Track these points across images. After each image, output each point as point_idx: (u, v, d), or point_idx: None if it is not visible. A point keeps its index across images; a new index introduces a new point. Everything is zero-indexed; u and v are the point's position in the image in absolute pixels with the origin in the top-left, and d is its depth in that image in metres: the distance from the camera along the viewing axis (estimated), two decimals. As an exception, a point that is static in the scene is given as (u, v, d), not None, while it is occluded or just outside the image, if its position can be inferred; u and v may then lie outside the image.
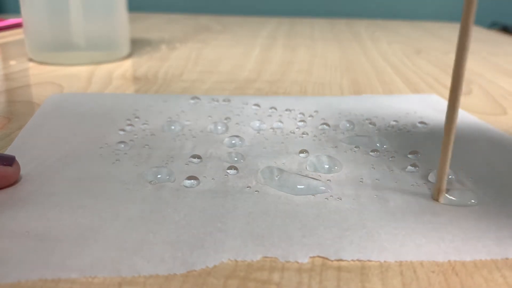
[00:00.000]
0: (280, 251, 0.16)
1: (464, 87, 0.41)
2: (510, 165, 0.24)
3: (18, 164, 0.20)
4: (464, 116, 0.32)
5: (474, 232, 0.18)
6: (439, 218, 0.19)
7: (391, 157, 0.24)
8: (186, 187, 0.20)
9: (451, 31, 0.81)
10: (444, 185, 0.20)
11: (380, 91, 0.39)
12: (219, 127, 0.28)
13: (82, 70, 0.43)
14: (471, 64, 0.51)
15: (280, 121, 0.29)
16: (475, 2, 0.17)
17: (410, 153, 0.25)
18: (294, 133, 0.28)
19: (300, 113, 0.31)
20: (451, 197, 0.20)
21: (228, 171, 0.22)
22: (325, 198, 0.20)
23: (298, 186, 0.20)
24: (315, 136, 0.27)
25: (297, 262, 0.16)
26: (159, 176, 0.21)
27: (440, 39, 0.71)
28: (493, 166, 0.24)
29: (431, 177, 0.22)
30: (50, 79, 0.40)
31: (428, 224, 0.18)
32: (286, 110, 0.32)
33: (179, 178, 0.21)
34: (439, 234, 0.17)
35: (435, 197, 0.20)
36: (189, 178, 0.21)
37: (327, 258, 0.16)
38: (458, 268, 0.16)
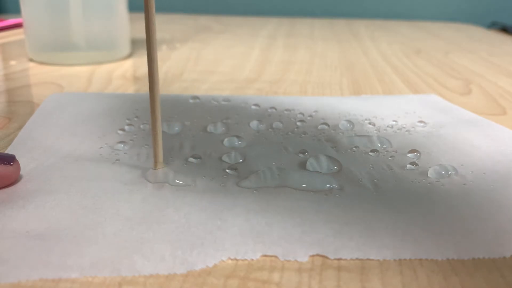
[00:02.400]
0: (280, 249, 0.16)
1: (464, 87, 0.41)
2: (509, 158, 0.24)
3: (18, 163, 0.20)
4: (463, 113, 0.32)
5: (474, 224, 0.18)
6: (439, 209, 0.19)
7: (391, 157, 0.24)
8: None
9: (451, 31, 0.81)
10: (159, 155, 0.22)
11: (379, 91, 0.39)
12: (219, 127, 0.28)
13: (82, 70, 0.43)
14: (471, 64, 0.51)
15: (280, 121, 0.29)
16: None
17: (409, 152, 0.25)
18: (293, 133, 0.28)
19: (299, 113, 0.31)
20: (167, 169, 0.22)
21: (227, 171, 0.22)
22: (325, 194, 0.20)
23: (303, 184, 0.21)
24: (314, 136, 0.27)
25: (297, 261, 0.16)
26: (160, 175, 0.21)
27: (440, 39, 0.71)
28: (493, 160, 0.24)
29: (431, 173, 0.22)
30: (50, 79, 0.40)
31: (429, 216, 0.18)
32: (286, 110, 0.32)
33: (179, 178, 0.21)
34: (438, 227, 0.17)
35: (153, 166, 0.22)
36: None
37: (327, 257, 0.16)
38: (458, 268, 0.16)
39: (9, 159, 0.20)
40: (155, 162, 0.22)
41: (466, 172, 0.22)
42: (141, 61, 0.48)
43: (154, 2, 0.20)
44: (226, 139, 0.26)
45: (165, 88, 0.38)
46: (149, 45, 0.21)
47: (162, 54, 0.53)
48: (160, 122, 0.21)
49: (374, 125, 0.29)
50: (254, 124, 0.29)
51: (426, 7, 1.00)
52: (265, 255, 0.16)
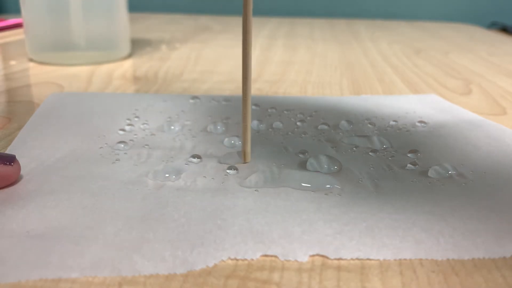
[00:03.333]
0: (280, 249, 0.16)
1: (464, 87, 0.41)
2: (509, 156, 0.24)
3: (18, 163, 0.20)
4: (463, 113, 0.32)
5: (474, 223, 0.18)
6: (439, 208, 0.19)
7: (391, 157, 0.24)
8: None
9: (451, 31, 0.81)
10: (248, 148, 0.23)
11: (379, 91, 0.39)
12: (219, 127, 0.28)
13: (82, 70, 0.43)
14: (471, 64, 0.51)
15: (280, 121, 0.29)
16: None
17: (409, 152, 0.25)
18: (293, 133, 0.28)
19: (299, 113, 0.31)
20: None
21: (228, 171, 0.22)
22: (325, 194, 0.20)
23: (303, 184, 0.21)
24: (314, 136, 0.27)
25: (297, 261, 0.16)
26: (159, 175, 0.21)
27: (440, 39, 0.71)
28: (494, 160, 0.24)
29: (431, 172, 0.22)
30: (50, 79, 0.40)
31: (429, 215, 0.18)
32: (286, 110, 0.32)
33: (179, 178, 0.21)
34: (439, 227, 0.17)
35: (243, 159, 0.23)
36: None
37: (327, 257, 0.16)
38: (458, 268, 0.16)
39: (9, 159, 0.20)
40: (244, 155, 0.23)
41: (466, 171, 0.22)
42: (141, 61, 0.48)
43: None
44: (226, 139, 0.26)
45: (165, 88, 0.38)
46: (245, 43, 0.21)
47: (162, 54, 0.53)
48: (250, 114, 0.22)
49: (374, 125, 0.29)
50: (254, 124, 0.29)
51: (426, 7, 1.00)
52: (265, 255, 0.16)
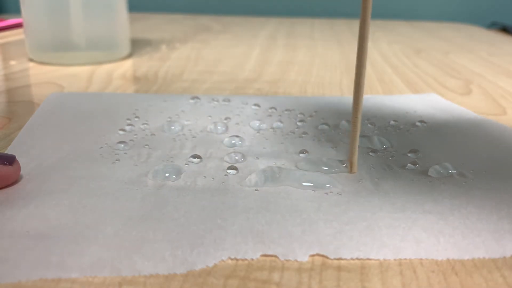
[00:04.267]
0: (280, 248, 0.16)
1: (464, 87, 0.41)
2: (509, 155, 0.24)
3: (18, 163, 0.20)
4: (463, 111, 0.32)
5: (474, 222, 0.18)
6: (439, 207, 0.19)
7: (391, 157, 0.24)
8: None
9: (451, 31, 0.81)
10: (355, 158, 0.22)
11: (380, 91, 0.39)
12: (219, 127, 0.28)
13: (82, 70, 0.43)
14: (471, 64, 0.51)
15: (280, 121, 0.29)
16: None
17: (409, 152, 0.25)
18: (294, 133, 0.28)
19: (300, 113, 0.31)
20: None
21: (228, 171, 0.22)
22: (325, 193, 0.20)
23: (303, 183, 0.21)
24: (315, 136, 0.27)
25: (297, 261, 0.16)
26: (159, 175, 0.21)
27: (440, 39, 0.71)
28: (494, 159, 0.24)
29: (431, 172, 0.22)
30: (50, 79, 0.40)
31: (429, 214, 0.18)
32: (286, 110, 0.32)
33: (179, 178, 0.21)
34: (439, 226, 0.17)
35: (348, 170, 0.22)
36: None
37: (327, 257, 0.16)
38: (458, 268, 0.16)
39: (9, 160, 0.20)
40: (351, 165, 0.22)
41: (467, 171, 0.22)
42: (141, 61, 0.48)
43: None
44: (226, 139, 0.26)
45: (165, 88, 0.38)
46: (361, 50, 0.21)
47: (162, 54, 0.53)
48: (360, 123, 0.22)
49: (374, 125, 0.29)
50: (254, 124, 0.29)
51: (426, 7, 1.00)
52: (265, 255, 0.16)
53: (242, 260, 0.16)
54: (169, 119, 0.29)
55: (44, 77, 0.40)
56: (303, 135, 0.27)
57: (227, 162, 0.23)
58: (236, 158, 0.23)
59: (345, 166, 0.22)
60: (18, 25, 0.66)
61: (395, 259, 0.16)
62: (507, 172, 0.22)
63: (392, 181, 0.21)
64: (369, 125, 0.29)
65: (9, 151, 0.24)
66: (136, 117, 0.29)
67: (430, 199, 0.20)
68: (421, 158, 0.24)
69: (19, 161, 0.21)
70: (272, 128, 0.28)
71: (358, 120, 0.21)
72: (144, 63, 0.47)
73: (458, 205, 0.19)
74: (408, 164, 0.23)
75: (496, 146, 0.25)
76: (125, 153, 0.24)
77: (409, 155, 0.24)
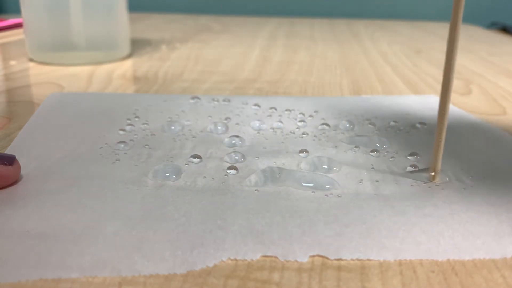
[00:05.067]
0: (280, 249, 0.16)
1: (464, 87, 0.41)
2: (509, 163, 0.24)
3: (18, 163, 0.20)
4: (463, 115, 0.32)
5: (474, 226, 0.18)
6: (439, 211, 0.19)
7: (391, 158, 0.24)
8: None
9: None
10: (439, 166, 0.21)
11: (380, 91, 0.39)
12: (219, 127, 0.28)
13: (82, 70, 0.43)
14: (471, 64, 0.51)
15: (280, 121, 0.29)
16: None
17: (409, 155, 0.24)
18: (294, 133, 0.28)
19: (300, 113, 0.31)
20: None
21: (228, 171, 0.22)
22: (325, 195, 0.20)
23: (303, 184, 0.21)
24: (315, 136, 0.27)
25: (297, 262, 0.16)
26: (159, 175, 0.21)
27: (440, 39, 0.71)
28: (492, 164, 0.24)
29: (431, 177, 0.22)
30: (50, 79, 0.40)
31: (428, 218, 0.18)
32: (286, 110, 0.32)
33: (179, 178, 0.21)
34: (439, 229, 0.17)
35: (431, 178, 0.21)
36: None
37: (327, 257, 0.16)
38: (458, 268, 0.16)
39: (9, 160, 0.20)
40: (435, 173, 0.21)
41: (466, 176, 0.22)
42: (141, 61, 0.48)
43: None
44: (226, 139, 0.26)
45: (165, 88, 0.38)
46: (450, 53, 0.20)
47: (162, 54, 0.53)
48: (445, 131, 0.21)
49: (374, 125, 0.29)
50: (254, 124, 0.29)
51: (426, 7, 1.00)
52: (265, 255, 0.16)
53: (242, 260, 0.16)
54: (169, 119, 0.29)
55: (44, 77, 0.40)
56: (303, 135, 0.27)
57: (227, 162, 0.23)
58: (236, 158, 0.23)
59: (430, 174, 0.22)
60: (18, 25, 0.66)
61: (395, 259, 0.16)
62: (506, 177, 0.22)
63: (392, 184, 0.21)
64: (369, 125, 0.29)
65: (9, 151, 0.24)
66: (136, 117, 0.29)
67: (430, 204, 0.19)
68: (420, 162, 0.24)
69: (19, 161, 0.21)
70: (272, 128, 0.28)
71: (443, 127, 0.21)
72: (144, 63, 0.47)
73: (458, 209, 0.19)
74: (408, 167, 0.23)
75: (495, 152, 0.25)
76: (125, 153, 0.24)
77: (409, 157, 0.24)
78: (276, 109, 0.32)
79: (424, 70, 0.48)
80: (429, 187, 0.21)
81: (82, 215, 0.18)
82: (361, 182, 0.21)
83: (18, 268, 0.15)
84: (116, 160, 0.23)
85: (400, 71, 0.47)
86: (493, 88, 0.41)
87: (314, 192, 0.20)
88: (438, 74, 0.46)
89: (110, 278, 0.15)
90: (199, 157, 0.23)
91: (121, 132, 0.27)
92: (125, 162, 0.23)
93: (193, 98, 0.34)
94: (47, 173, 0.21)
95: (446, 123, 0.21)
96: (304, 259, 0.16)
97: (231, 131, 0.28)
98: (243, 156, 0.24)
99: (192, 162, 0.23)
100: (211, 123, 0.28)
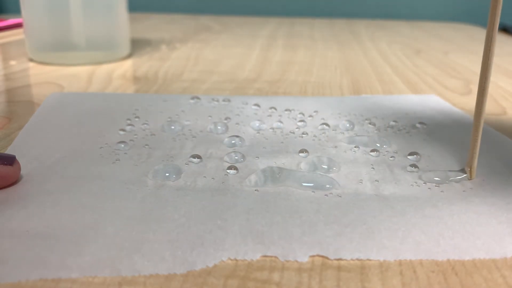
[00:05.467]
0: (280, 249, 0.16)
1: (464, 87, 0.41)
2: (508, 164, 0.24)
3: (18, 163, 0.20)
4: (463, 116, 0.32)
5: (474, 227, 0.18)
6: (439, 212, 0.19)
7: (391, 157, 0.24)
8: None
9: (451, 31, 0.81)
10: (475, 164, 0.21)
11: (380, 91, 0.39)
12: (219, 127, 0.28)
13: (82, 70, 0.43)
14: (471, 64, 0.51)
15: (280, 121, 0.29)
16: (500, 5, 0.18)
17: (409, 155, 0.24)
18: (294, 133, 0.28)
19: (300, 113, 0.31)
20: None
21: (228, 171, 0.22)
22: (325, 195, 0.20)
23: (303, 184, 0.21)
24: (315, 136, 0.27)
25: (297, 262, 0.16)
26: (159, 175, 0.21)
27: (440, 39, 0.71)
28: (492, 166, 0.24)
29: (430, 177, 0.22)
30: (50, 79, 0.40)
31: (428, 218, 0.18)
32: (286, 110, 0.32)
33: (179, 178, 0.21)
34: (439, 229, 0.17)
35: (469, 177, 0.22)
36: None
37: (327, 257, 0.16)
38: (458, 268, 0.16)
39: (9, 160, 0.20)
40: (471, 171, 0.22)
41: (465, 178, 0.22)
42: (141, 61, 0.48)
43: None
44: (226, 139, 0.26)
45: (165, 88, 0.38)
46: (486, 53, 0.20)
47: (162, 54, 0.53)
48: (481, 128, 0.21)
49: (374, 125, 0.29)
50: (254, 124, 0.29)
51: (426, 7, 1.00)
52: (265, 255, 0.16)
53: (242, 260, 0.16)
54: (169, 119, 0.29)
55: (44, 77, 0.40)
56: (303, 135, 0.27)
57: (227, 162, 0.23)
58: (236, 158, 0.23)
59: (465, 173, 0.22)
60: (18, 25, 0.66)
61: (395, 259, 0.16)
62: (505, 179, 0.22)
63: (392, 184, 0.21)
64: (369, 125, 0.29)
65: (9, 151, 0.24)
66: (136, 117, 0.29)
67: (430, 204, 0.19)
68: (420, 162, 0.24)
69: (19, 161, 0.21)
70: (272, 128, 0.28)
71: (480, 125, 0.21)
72: (144, 63, 0.47)
73: (458, 210, 0.19)
74: (408, 167, 0.23)
75: (494, 154, 0.25)
76: (125, 153, 0.24)
77: (409, 157, 0.24)
78: (276, 109, 0.32)
79: (424, 70, 0.48)
80: (428, 188, 0.21)
81: (82, 215, 0.18)
82: (361, 182, 0.21)
83: (18, 268, 0.15)
84: (116, 160, 0.23)
85: (400, 71, 0.47)
86: (493, 88, 0.41)
87: (314, 192, 0.20)
88: (438, 74, 0.46)
89: (110, 278, 0.15)
90: (199, 157, 0.23)
91: (121, 132, 0.27)
92: (125, 162, 0.23)
93: (193, 98, 0.34)
94: (47, 173, 0.21)
95: (482, 121, 0.21)
96: (304, 259, 0.16)
97: (231, 131, 0.28)
98: (243, 156, 0.24)
99: (192, 162, 0.23)
100: (211, 123, 0.28)
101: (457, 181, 0.22)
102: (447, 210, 0.19)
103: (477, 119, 0.21)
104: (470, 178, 0.22)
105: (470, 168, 0.22)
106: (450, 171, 0.22)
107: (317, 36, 0.71)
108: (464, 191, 0.21)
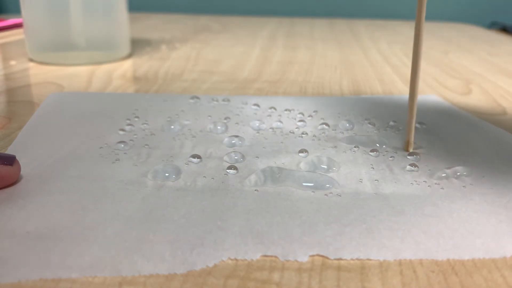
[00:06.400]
0: (280, 249, 0.16)
1: (464, 87, 0.41)
2: (509, 161, 0.24)
3: (18, 163, 0.20)
4: (463, 115, 0.32)
5: (474, 225, 0.18)
6: (439, 211, 0.19)
7: (391, 157, 0.24)
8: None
9: (451, 31, 0.81)
10: (412, 138, 0.25)
11: (379, 91, 0.39)
12: (219, 127, 0.28)
13: (82, 70, 0.43)
14: (471, 64, 0.51)
15: (280, 121, 0.29)
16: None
17: (409, 154, 0.25)
18: (293, 133, 0.28)
19: (299, 113, 0.31)
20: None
21: (228, 170, 0.22)
22: (325, 195, 0.20)
23: (303, 184, 0.21)
24: (314, 136, 0.27)
25: (297, 261, 0.16)
26: (159, 175, 0.21)
27: (440, 39, 0.71)
28: (492, 163, 0.24)
29: (430, 175, 0.22)
30: (50, 79, 0.40)
31: (428, 217, 0.18)
32: (286, 110, 0.32)
33: (179, 178, 0.21)
34: (438, 228, 0.17)
35: (405, 148, 0.25)
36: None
37: (327, 257, 0.16)
38: (458, 268, 0.16)
39: (10, 160, 0.20)
40: (408, 144, 0.24)
41: (465, 175, 0.22)
42: (141, 61, 0.48)
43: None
44: (226, 139, 0.26)
45: (165, 88, 0.38)
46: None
47: (162, 54, 0.53)
48: (416, 105, 0.24)
49: (374, 125, 0.29)
50: (254, 124, 0.29)
51: (426, 7, 1.00)
52: (265, 255, 0.16)
53: (242, 260, 0.16)
54: (169, 119, 0.29)
55: (44, 77, 0.40)
56: (303, 135, 0.27)
57: (226, 162, 0.23)
58: (236, 158, 0.23)
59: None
60: (18, 25, 0.66)
61: (395, 259, 0.16)
62: (505, 177, 0.22)
63: (392, 183, 0.21)
64: (369, 125, 0.29)
65: (9, 151, 0.24)
66: (136, 117, 0.29)
67: (429, 203, 0.19)
68: (420, 161, 0.24)
69: (19, 161, 0.21)
70: (271, 128, 0.28)
71: (414, 104, 0.24)
72: (144, 63, 0.47)
73: (458, 209, 0.19)
74: (408, 166, 0.23)
75: (495, 151, 0.25)
76: (125, 153, 0.24)
77: (408, 157, 0.24)
78: (275, 109, 0.32)
79: (424, 70, 0.48)
80: (428, 186, 0.21)
81: (82, 215, 0.18)
82: (361, 182, 0.21)
83: (18, 268, 0.15)
84: (116, 160, 0.23)
85: (400, 71, 0.47)
86: (493, 88, 0.41)
87: (314, 192, 0.20)
88: (438, 74, 0.46)
89: (110, 278, 0.15)
90: (198, 157, 0.23)
91: (121, 132, 0.27)
92: (125, 162, 0.23)
93: (192, 98, 0.34)
94: (47, 173, 0.21)
95: (416, 101, 0.24)
96: (304, 259, 0.16)
97: (231, 131, 0.28)
98: (243, 156, 0.24)
99: (192, 162, 0.23)
100: (210, 122, 0.28)
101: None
102: (447, 209, 0.19)
103: (411, 98, 0.24)
104: (406, 150, 0.25)
105: (407, 142, 0.24)
106: (447, 168, 0.23)
107: (317, 36, 0.71)
108: (464, 187, 0.21)
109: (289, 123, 0.29)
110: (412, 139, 0.25)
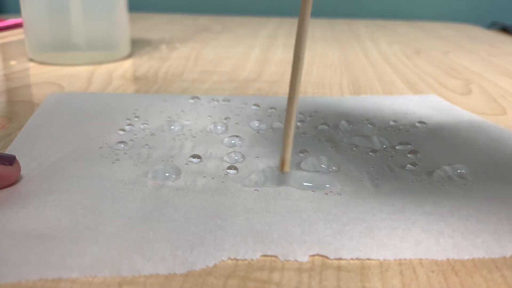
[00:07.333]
0: (280, 249, 0.16)
1: (464, 87, 0.41)
2: (509, 159, 0.24)
3: (18, 163, 0.20)
4: (463, 113, 0.32)
5: (474, 224, 0.18)
6: (439, 209, 0.19)
7: (391, 157, 0.24)
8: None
9: (451, 31, 0.81)
10: (289, 155, 0.20)
11: (379, 91, 0.39)
12: (219, 127, 0.28)
13: (82, 70, 0.43)
14: (471, 64, 0.51)
15: (280, 121, 0.29)
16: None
17: (409, 153, 0.25)
18: (293, 133, 0.28)
19: (299, 113, 0.31)
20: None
21: (228, 171, 0.22)
22: (325, 194, 0.20)
23: (303, 183, 0.21)
24: (314, 136, 0.27)
25: (297, 261, 0.16)
26: (159, 175, 0.21)
27: (440, 39, 0.71)
28: (493, 161, 0.24)
29: (430, 173, 0.22)
30: (50, 79, 0.40)
31: (428, 215, 0.18)
32: (286, 110, 0.32)
33: (179, 178, 0.21)
34: (438, 227, 0.17)
35: (280, 168, 0.20)
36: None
37: (326, 257, 0.16)
38: (458, 268, 0.16)
39: (9, 160, 0.20)
40: (283, 164, 0.20)
41: (466, 173, 0.22)
42: (141, 61, 0.48)
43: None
44: (226, 139, 0.26)
45: (165, 88, 0.38)
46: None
47: (162, 54, 0.53)
48: (294, 121, 0.20)
49: (374, 125, 0.29)
50: (254, 124, 0.29)
51: (426, 7, 1.00)
52: (265, 255, 0.16)
53: (242, 260, 0.16)
54: (169, 119, 0.29)
55: (44, 77, 0.40)
56: (303, 135, 0.27)
57: (227, 162, 0.23)
58: (236, 158, 0.23)
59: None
60: (18, 25, 0.66)
61: (395, 259, 0.16)
62: (505, 174, 0.22)
63: (392, 182, 0.21)
64: (368, 125, 0.29)
65: (9, 151, 0.24)
66: (136, 117, 0.29)
67: (430, 201, 0.20)
68: (420, 159, 0.24)
69: (19, 161, 0.21)
70: (271, 128, 0.28)
71: (293, 117, 0.20)
72: (144, 63, 0.47)
73: (458, 207, 0.19)
74: (408, 165, 0.23)
75: (495, 149, 0.25)
76: (125, 153, 0.24)
77: (408, 156, 0.24)
78: (275, 109, 0.32)
79: (423, 70, 0.48)
80: (429, 184, 0.21)
81: (82, 215, 0.18)
82: (361, 181, 0.21)
83: (18, 268, 0.15)
84: (116, 160, 0.23)
85: (400, 71, 0.47)
86: (493, 88, 0.41)
87: (314, 191, 0.20)
88: (438, 74, 0.46)
89: (110, 278, 0.15)
90: (198, 157, 0.23)
91: (121, 132, 0.27)
92: (125, 162, 0.23)
93: (193, 98, 0.34)
94: (47, 173, 0.21)
95: (295, 114, 0.20)
96: (304, 258, 0.16)
97: (231, 131, 0.28)
98: (243, 156, 0.24)
99: (192, 162, 0.23)
100: (210, 123, 0.28)
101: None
102: (447, 207, 0.19)
103: (290, 110, 0.20)
104: (281, 170, 0.20)
105: (283, 161, 0.20)
106: (447, 165, 0.23)
107: (317, 36, 0.71)
108: (464, 184, 0.21)
109: (289, 123, 0.29)
110: (288, 157, 0.20)
